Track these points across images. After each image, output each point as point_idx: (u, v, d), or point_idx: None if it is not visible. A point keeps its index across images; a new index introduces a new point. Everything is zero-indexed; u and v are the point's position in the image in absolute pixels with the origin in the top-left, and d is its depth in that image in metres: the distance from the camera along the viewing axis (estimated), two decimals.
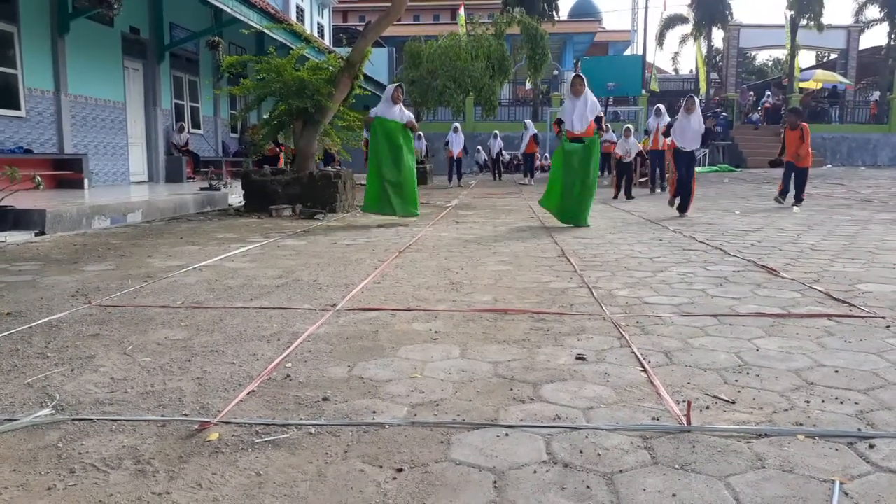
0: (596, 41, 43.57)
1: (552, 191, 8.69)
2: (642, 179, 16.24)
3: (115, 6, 10.74)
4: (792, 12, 31.16)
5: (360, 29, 19.57)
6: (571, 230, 8.12)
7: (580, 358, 2.94)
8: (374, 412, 2.33)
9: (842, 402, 2.41)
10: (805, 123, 11.61)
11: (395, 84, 9.31)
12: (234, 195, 12.04)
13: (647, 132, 16.98)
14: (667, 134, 10.47)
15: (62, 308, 3.89)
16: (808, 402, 2.42)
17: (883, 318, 3.67)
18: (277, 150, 13.69)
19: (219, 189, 12.15)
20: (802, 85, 32.45)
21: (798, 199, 11.26)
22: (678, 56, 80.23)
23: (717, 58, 43.61)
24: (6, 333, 3.33)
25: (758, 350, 3.07)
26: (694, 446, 2.04)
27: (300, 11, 26.22)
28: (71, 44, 12.11)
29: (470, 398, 2.47)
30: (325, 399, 2.45)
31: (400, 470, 1.90)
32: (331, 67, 10.85)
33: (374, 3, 44.25)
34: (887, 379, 2.66)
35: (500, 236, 7.63)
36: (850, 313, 3.78)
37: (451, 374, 2.74)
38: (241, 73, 13.36)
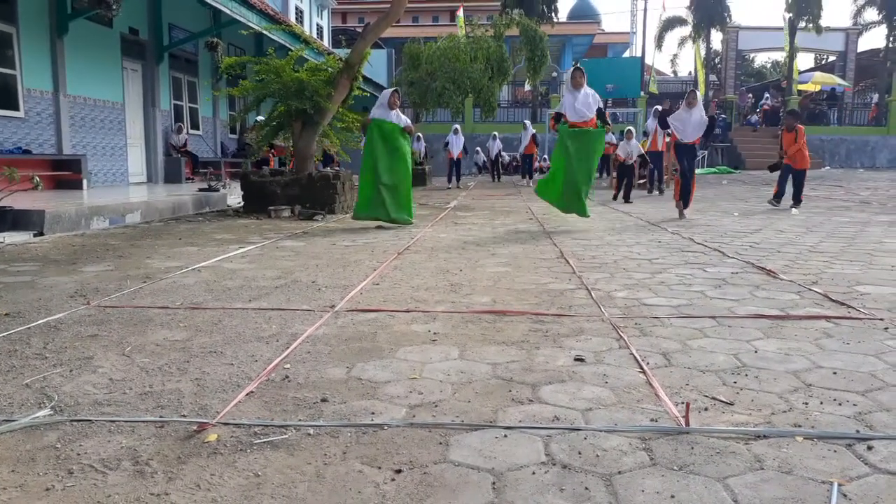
0: (595, 43, 43.61)
1: (553, 181, 8.56)
2: (641, 181, 16.25)
3: (114, 7, 10.74)
4: (790, 14, 31.20)
5: (359, 30, 19.58)
6: (570, 232, 8.12)
7: (579, 359, 2.94)
8: (373, 413, 2.33)
9: (840, 404, 2.41)
10: (800, 126, 11.59)
11: (392, 89, 9.09)
12: (233, 196, 12.03)
13: (645, 134, 16.99)
14: (664, 125, 10.37)
15: (61, 309, 3.89)
16: (806, 403, 2.42)
17: (881, 319, 3.67)
18: (270, 152, 13.59)
19: (217, 190, 12.14)
20: (801, 87, 32.48)
21: (797, 201, 11.25)
22: (677, 58, 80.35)
23: (716, 60, 43.67)
24: (5, 334, 3.33)
25: (756, 351, 3.07)
26: (692, 447, 2.04)
27: (299, 12, 26.25)
28: (70, 44, 12.11)
29: (469, 399, 2.47)
30: (323, 400, 2.45)
31: (399, 471, 1.90)
32: (330, 69, 10.85)
33: (373, 5, 44.31)
34: (885, 380, 2.66)
35: (499, 237, 7.63)
36: (848, 315, 3.78)
37: (449, 375, 2.74)
38: (239, 75, 13.37)
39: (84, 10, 11.67)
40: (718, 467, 1.91)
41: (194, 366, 2.84)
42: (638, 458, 1.98)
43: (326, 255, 6.13)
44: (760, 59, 57.59)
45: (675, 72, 50.53)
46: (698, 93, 10.28)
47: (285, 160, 12.15)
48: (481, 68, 21.10)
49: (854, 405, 2.40)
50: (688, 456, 1.98)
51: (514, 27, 23.60)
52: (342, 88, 10.48)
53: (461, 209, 12.05)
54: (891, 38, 34.08)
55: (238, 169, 16.36)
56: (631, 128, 15.19)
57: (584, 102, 8.20)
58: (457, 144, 20.50)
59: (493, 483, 1.83)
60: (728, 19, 36.30)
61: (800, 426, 2.21)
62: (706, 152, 27.29)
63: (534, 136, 21.07)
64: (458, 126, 21.37)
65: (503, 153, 26.58)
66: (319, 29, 29.28)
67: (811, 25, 30.63)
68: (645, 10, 40.60)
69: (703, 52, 35.71)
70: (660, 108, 16.03)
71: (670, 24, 40.14)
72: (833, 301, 4.15)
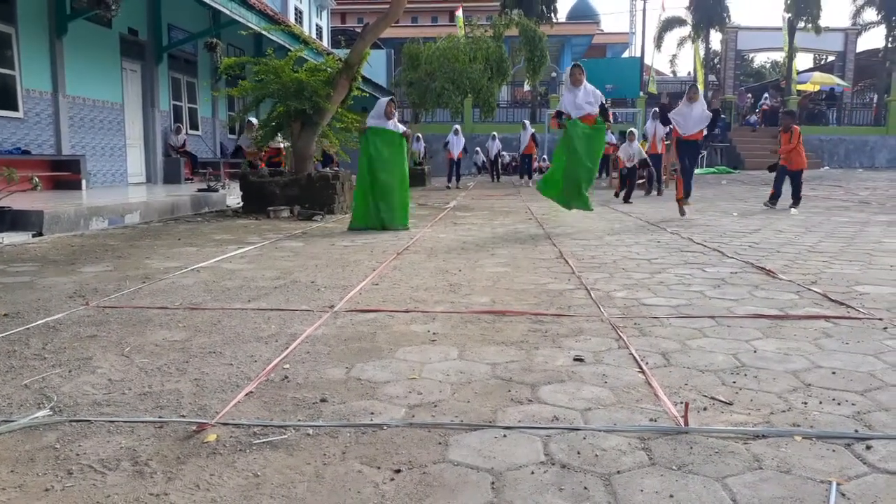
0: (594, 43, 43.62)
1: (554, 177, 8.43)
2: (640, 181, 16.26)
3: (113, 7, 10.73)
4: (789, 15, 31.24)
5: (359, 31, 19.56)
6: (569, 232, 8.12)
7: (578, 359, 2.94)
8: (372, 413, 2.33)
9: (839, 404, 2.42)
10: (796, 126, 11.53)
11: (387, 98, 8.88)
12: (232, 196, 12.03)
13: (644, 136, 16.97)
14: (666, 121, 10.28)
15: (60, 309, 3.89)
16: (805, 403, 2.42)
17: (880, 319, 3.67)
18: (259, 156, 13.42)
19: (217, 190, 12.14)
20: (800, 87, 32.51)
21: (796, 201, 11.24)
22: (676, 58, 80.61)
23: (715, 60, 43.70)
24: (4, 335, 3.33)
25: (755, 351, 3.07)
26: (691, 447, 2.04)
27: (298, 13, 26.25)
28: (69, 45, 12.11)
29: (468, 399, 2.47)
30: (322, 400, 2.45)
31: (398, 471, 1.90)
32: (329, 69, 10.85)
33: (372, 5, 44.31)
34: (884, 380, 2.66)
35: (498, 238, 7.64)
36: (847, 315, 3.78)
37: (449, 375, 2.74)
38: (239, 75, 13.37)
39: (83, 10, 11.67)
40: (717, 467, 1.91)
41: (193, 366, 2.85)
42: (637, 457, 1.98)
43: (325, 256, 6.13)
44: (759, 60, 57.69)
45: (674, 72, 50.56)
46: (699, 88, 10.20)
47: (277, 161, 11.97)
48: (480, 68, 21.10)
49: (853, 405, 2.40)
50: (687, 456, 1.98)
51: (513, 27, 23.61)
52: (341, 89, 10.48)
53: (460, 209, 12.05)
54: (890, 39, 34.10)
55: (237, 170, 16.35)
56: (633, 129, 15.16)
57: (584, 99, 8.08)
58: (457, 145, 20.49)
59: (493, 483, 1.83)
60: (727, 19, 36.35)
61: (799, 426, 2.21)
62: (705, 152, 27.29)
63: (533, 135, 21.09)
64: (458, 126, 21.37)
65: (504, 153, 26.59)
66: (318, 29, 29.28)
67: (810, 25, 30.68)
68: (644, 10, 40.62)
69: (702, 53, 35.71)
70: (657, 110, 16.05)
71: (669, 24, 40.16)
72: (832, 301, 4.15)
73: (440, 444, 2.08)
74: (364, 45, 10.60)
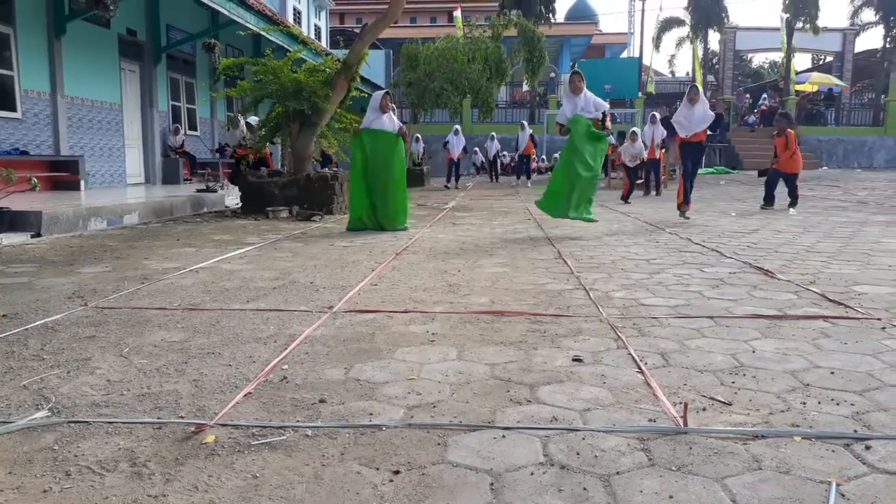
0: (592, 43, 43.64)
1: (554, 189, 7.94)
2: (638, 181, 16.26)
3: (112, 8, 10.73)
4: (788, 15, 31.26)
5: (357, 31, 19.57)
6: (568, 232, 8.11)
7: (577, 360, 2.94)
8: (371, 414, 2.33)
9: (838, 404, 2.41)
10: (790, 130, 11.31)
11: (382, 91, 8.72)
12: (231, 197, 12.03)
13: (643, 143, 16.95)
14: (672, 130, 9.55)
15: (58, 310, 3.88)
16: (804, 403, 2.42)
17: (879, 319, 3.67)
18: (246, 152, 13.22)
19: (215, 191, 12.14)
20: (798, 87, 32.54)
21: (793, 200, 11.22)
22: (675, 59, 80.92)
23: (714, 60, 43.72)
24: (2, 335, 3.32)
25: (754, 351, 3.07)
26: (691, 448, 2.04)
27: (297, 13, 26.24)
28: (67, 45, 12.10)
29: (467, 400, 2.47)
30: (321, 401, 2.45)
31: (397, 472, 1.89)
32: (328, 69, 10.85)
33: (371, 5, 44.31)
34: (883, 380, 2.66)
35: (497, 238, 7.63)
36: (845, 315, 3.79)
37: (447, 375, 2.74)
38: (237, 76, 13.36)
39: (81, 10, 11.67)
40: (716, 467, 1.91)
41: (192, 367, 2.84)
42: (636, 458, 1.98)
43: (324, 256, 6.12)
44: (758, 60, 57.76)
45: (672, 72, 50.62)
46: (700, 88, 9.63)
47: (265, 161, 11.75)
48: (479, 69, 21.12)
49: (852, 405, 2.40)
50: (686, 456, 1.98)
51: (511, 28, 23.61)
52: (340, 89, 10.48)
53: (459, 210, 12.05)
54: (888, 39, 34.14)
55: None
56: (635, 129, 15.13)
57: (584, 108, 7.74)
58: (457, 145, 20.49)
59: (492, 484, 1.83)
60: (725, 20, 36.40)
61: (798, 426, 2.21)
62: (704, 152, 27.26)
63: (531, 136, 21.09)
64: (458, 126, 21.37)
65: (505, 153, 26.58)
66: (317, 30, 29.27)
67: (808, 26, 30.72)
68: (643, 10, 40.71)
69: (700, 53, 35.77)
70: (657, 114, 16.04)
71: (668, 24, 40.23)
72: (830, 301, 4.15)
73: (439, 444, 2.08)
74: (363, 46, 10.60)
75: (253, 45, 18.20)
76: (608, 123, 8.01)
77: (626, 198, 13.47)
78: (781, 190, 11.37)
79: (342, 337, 3.33)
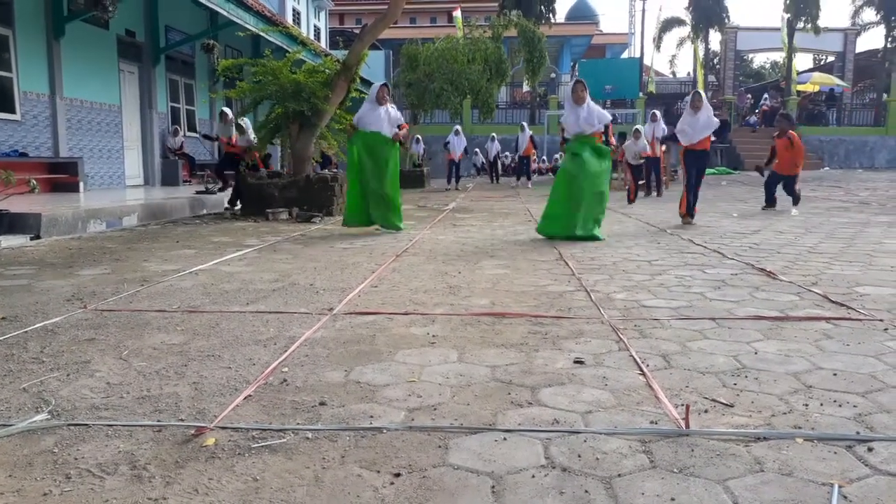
0: (593, 44, 43.63)
1: (553, 211, 7.59)
2: (640, 182, 16.23)
3: (110, 9, 10.73)
4: (789, 15, 31.27)
5: (357, 32, 19.56)
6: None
7: (578, 361, 2.94)
8: (372, 417, 2.32)
9: (840, 405, 2.41)
10: (794, 133, 11.23)
11: (381, 83, 8.59)
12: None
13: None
14: (674, 138, 9.25)
15: (58, 312, 3.88)
16: (806, 405, 2.42)
17: (881, 320, 3.67)
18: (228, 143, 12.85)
19: (215, 192, 12.13)
20: (800, 87, 32.54)
21: (795, 200, 11.20)
22: (675, 59, 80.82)
23: (715, 60, 43.73)
24: (1, 338, 3.32)
25: (756, 353, 3.07)
26: (692, 450, 2.03)
27: (296, 14, 26.23)
28: (66, 47, 12.09)
29: (468, 402, 2.46)
30: (321, 404, 2.44)
31: (397, 475, 1.89)
32: (327, 70, 10.84)
33: (370, 6, 44.32)
34: (885, 382, 2.66)
35: (498, 239, 7.63)
36: (848, 316, 3.78)
37: (448, 378, 2.73)
38: (236, 77, 13.37)
39: (80, 12, 11.66)
40: (718, 469, 1.90)
41: (192, 369, 2.83)
42: (638, 460, 1.97)
43: (324, 258, 6.12)
44: (759, 60, 57.74)
45: (673, 72, 50.60)
46: (703, 94, 9.34)
47: (249, 161, 11.50)
48: (479, 69, 21.14)
49: (854, 406, 2.39)
50: (688, 458, 1.98)
51: (512, 28, 23.63)
52: (340, 90, 10.47)
53: (460, 211, 12.04)
54: (889, 39, 34.14)
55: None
56: (639, 127, 15.06)
57: (587, 120, 7.47)
58: (458, 145, 20.48)
59: (493, 487, 1.82)
60: (726, 20, 36.38)
61: (800, 428, 2.20)
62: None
63: (531, 137, 21.08)
64: (458, 127, 21.35)
65: (507, 153, 26.56)
66: (317, 30, 29.26)
67: (809, 26, 30.73)
68: (643, 10, 40.72)
69: (701, 53, 35.76)
70: (657, 112, 16.01)
71: (669, 24, 40.21)
72: (833, 302, 4.14)
73: (440, 447, 2.07)
74: (362, 46, 10.59)
75: (252, 46, 18.19)
76: (612, 139, 7.77)
77: (632, 200, 13.34)
78: (781, 191, 11.34)
79: (342, 339, 3.32)
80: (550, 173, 25.72)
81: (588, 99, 7.61)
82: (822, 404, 2.42)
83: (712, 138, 9.16)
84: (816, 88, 33.72)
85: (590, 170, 7.39)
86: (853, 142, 30.37)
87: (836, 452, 2.01)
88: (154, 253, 6.38)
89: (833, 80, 33.68)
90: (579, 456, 2.00)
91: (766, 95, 34.56)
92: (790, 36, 31.40)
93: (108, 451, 2.04)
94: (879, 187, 16.88)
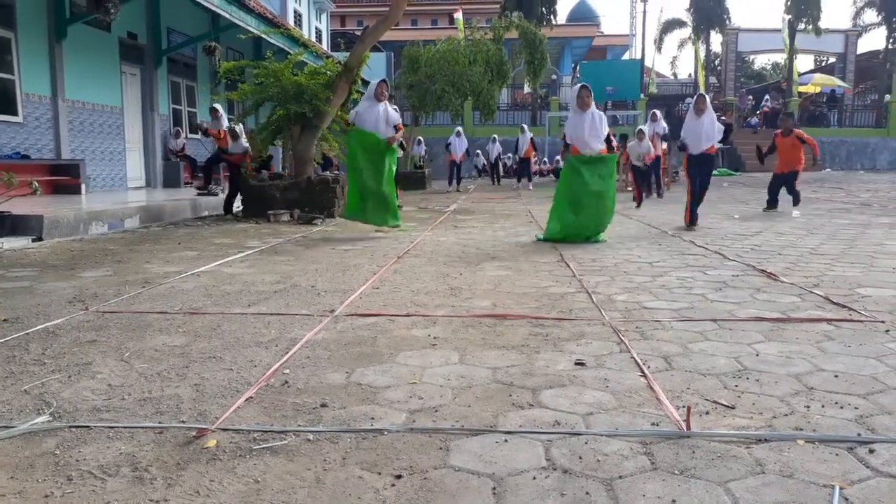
0: (594, 45, 43.66)
1: (557, 216, 7.51)
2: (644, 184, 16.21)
3: (113, 11, 10.75)
4: (790, 16, 31.25)
5: (358, 33, 19.57)
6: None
7: (579, 363, 2.94)
8: (373, 418, 2.32)
9: (841, 407, 2.41)
10: (798, 130, 11.24)
11: (379, 79, 8.45)
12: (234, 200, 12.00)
13: None
14: (682, 147, 8.91)
15: (59, 314, 3.88)
16: (807, 406, 2.41)
17: (882, 322, 3.66)
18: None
19: (216, 194, 12.14)
20: (801, 89, 32.51)
21: (795, 199, 11.19)
22: (676, 60, 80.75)
23: (716, 62, 43.71)
24: (3, 340, 3.32)
25: (757, 355, 3.06)
26: (693, 452, 2.03)
27: (298, 16, 26.25)
28: (68, 49, 12.12)
29: (469, 404, 2.46)
30: (323, 405, 2.44)
31: (399, 476, 1.89)
32: (329, 72, 10.85)
33: (371, 8, 44.37)
34: (887, 383, 2.65)
35: (499, 241, 7.63)
36: (849, 317, 3.77)
37: (449, 379, 2.74)
38: (238, 79, 13.41)
39: (82, 14, 11.69)
40: (720, 471, 1.90)
41: (193, 371, 2.84)
42: (639, 462, 1.97)
43: (326, 260, 6.12)
44: (760, 61, 57.65)
45: (674, 74, 50.61)
46: (707, 97, 9.17)
47: (250, 166, 11.37)
48: (481, 71, 21.13)
49: (855, 408, 2.39)
50: (689, 460, 1.97)
51: (513, 30, 23.62)
52: (341, 92, 10.48)
53: (461, 212, 12.04)
54: (890, 40, 34.13)
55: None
56: (642, 127, 14.97)
57: (592, 130, 7.32)
58: (459, 147, 20.48)
59: (494, 488, 1.82)
60: (727, 21, 36.37)
61: (801, 430, 2.20)
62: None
63: (531, 139, 21.07)
64: (460, 128, 21.35)
65: (509, 154, 26.54)
66: (318, 32, 29.28)
67: (810, 27, 30.69)
68: (644, 11, 40.71)
69: (702, 55, 35.75)
70: (657, 112, 15.99)
71: (670, 26, 40.20)
72: (834, 304, 4.14)
73: (441, 449, 2.07)
74: (364, 48, 10.60)
75: (254, 48, 18.20)
76: (613, 142, 7.73)
77: (638, 205, 13.18)
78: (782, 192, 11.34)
79: (343, 341, 3.32)
80: (552, 175, 25.71)
81: (592, 105, 7.54)
82: (823, 406, 2.42)
83: (717, 144, 9.00)
84: (818, 90, 33.69)
85: (592, 189, 7.26)
86: (854, 143, 30.34)
87: (837, 454, 2.01)
88: (156, 255, 6.39)
89: (834, 82, 33.65)
90: (580, 458, 2.00)
91: (767, 97, 34.51)
92: (791, 37, 31.38)
93: (110, 453, 2.04)
94: (881, 189, 16.85)
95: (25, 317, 3.82)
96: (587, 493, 1.79)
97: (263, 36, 14.52)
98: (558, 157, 26.32)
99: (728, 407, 2.41)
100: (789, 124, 11.37)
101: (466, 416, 2.34)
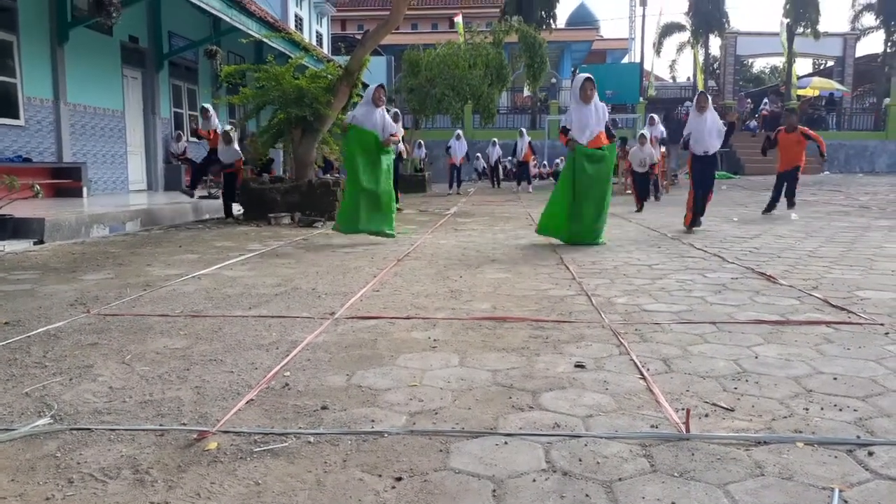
0: (593, 49, 43.69)
1: (554, 212, 7.48)
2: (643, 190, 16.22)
3: (114, 15, 10.78)
4: (788, 20, 31.29)
5: (359, 37, 19.61)
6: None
7: (579, 366, 2.94)
8: (373, 421, 2.33)
9: (841, 410, 2.41)
10: (802, 126, 11.33)
11: (377, 84, 8.27)
12: (233, 203, 12.00)
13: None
14: (686, 146, 8.82)
15: (60, 317, 3.89)
16: (806, 409, 2.42)
17: (881, 324, 3.67)
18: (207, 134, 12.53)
19: (217, 197, 12.14)
20: (800, 92, 32.56)
21: (791, 200, 11.19)
22: (675, 64, 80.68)
23: (715, 65, 43.76)
24: (4, 343, 3.33)
25: (756, 357, 3.07)
26: (693, 454, 2.04)
27: (299, 20, 26.31)
28: (70, 52, 12.14)
29: (469, 406, 2.47)
30: (323, 408, 2.45)
31: (399, 479, 1.89)
32: (329, 76, 10.87)
33: (372, 12, 44.43)
34: (886, 386, 2.66)
35: (499, 244, 7.63)
36: (848, 320, 3.78)
37: (449, 382, 2.74)
38: (239, 83, 13.44)
39: (84, 18, 11.72)
40: (719, 473, 1.91)
41: (194, 374, 2.84)
42: (638, 464, 1.98)
43: (326, 262, 6.13)
44: (759, 65, 57.76)
45: (673, 77, 50.74)
46: (708, 95, 9.13)
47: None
48: (480, 75, 21.17)
49: (855, 411, 2.40)
50: (688, 462, 1.98)
51: (513, 34, 23.68)
52: (342, 95, 10.50)
53: (461, 215, 12.05)
54: (889, 43, 34.16)
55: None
56: (644, 132, 14.94)
57: (595, 120, 7.25)
58: (459, 150, 20.51)
59: (494, 490, 1.83)
60: (726, 25, 36.42)
61: (800, 432, 2.21)
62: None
63: (530, 143, 21.08)
64: (460, 132, 21.37)
65: (510, 157, 26.58)
66: (319, 36, 29.34)
67: (809, 31, 30.75)
68: (643, 15, 40.71)
69: (701, 58, 35.79)
70: (655, 116, 16.01)
71: (669, 29, 40.25)
72: (833, 306, 4.14)
73: (441, 451, 2.08)
74: (364, 52, 10.62)
75: (255, 52, 18.25)
76: (614, 133, 7.66)
77: (639, 210, 13.10)
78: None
79: (344, 343, 3.33)
80: (551, 178, 25.73)
81: (595, 98, 7.43)
82: (822, 408, 2.43)
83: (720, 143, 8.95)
84: (816, 93, 33.75)
85: (594, 176, 7.25)
86: (853, 146, 30.36)
87: (836, 457, 2.02)
88: (157, 257, 6.39)
89: (833, 85, 33.71)
90: (580, 460, 2.00)
91: (765, 100, 34.53)
92: (790, 41, 31.42)
93: (111, 456, 2.05)
94: (880, 191, 16.87)
95: (27, 319, 3.83)
96: (587, 495, 1.80)
97: (264, 40, 14.56)
98: (558, 161, 26.38)
99: (727, 409, 2.42)
100: (793, 121, 11.34)
101: (466, 419, 2.34)
